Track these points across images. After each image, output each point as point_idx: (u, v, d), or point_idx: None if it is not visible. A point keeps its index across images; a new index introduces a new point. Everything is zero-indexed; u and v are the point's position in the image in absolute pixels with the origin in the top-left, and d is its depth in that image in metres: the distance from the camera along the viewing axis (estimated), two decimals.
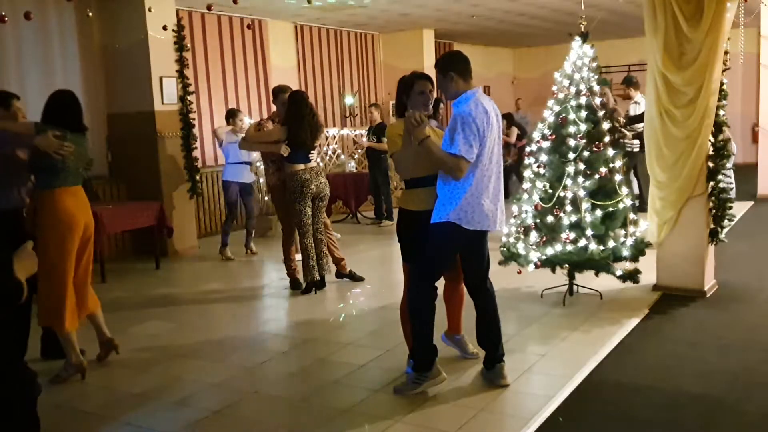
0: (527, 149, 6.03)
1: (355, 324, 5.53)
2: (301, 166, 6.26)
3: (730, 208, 5.82)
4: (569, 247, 5.43)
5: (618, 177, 5.59)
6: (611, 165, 5.54)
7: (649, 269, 5.87)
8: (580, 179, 5.46)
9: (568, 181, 5.48)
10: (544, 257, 5.55)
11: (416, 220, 4.06)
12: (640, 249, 5.61)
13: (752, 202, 10.32)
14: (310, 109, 6.34)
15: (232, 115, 8.46)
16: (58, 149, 4.26)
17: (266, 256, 8.32)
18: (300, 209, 6.28)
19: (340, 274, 6.85)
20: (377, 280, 6.87)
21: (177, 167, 8.60)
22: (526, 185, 5.76)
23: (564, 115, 5.60)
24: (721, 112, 5.66)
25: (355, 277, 6.83)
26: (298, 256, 6.64)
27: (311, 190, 6.28)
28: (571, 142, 5.50)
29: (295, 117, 6.23)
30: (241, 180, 8.30)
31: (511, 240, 5.81)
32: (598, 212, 5.45)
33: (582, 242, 5.41)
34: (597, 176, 5.46)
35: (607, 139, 5.59)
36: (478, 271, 4.19)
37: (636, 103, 9.39)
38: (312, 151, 6.38)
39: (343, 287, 6.66)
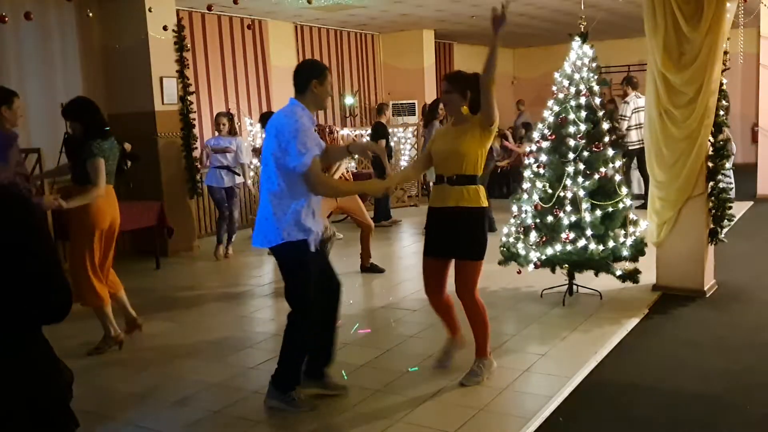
0: (527, 149, 6.03)
1: (355, 324, 5.53)
2: None
3: (730, 208, 5.82)
4: (569, 247, 5.43)
5: (618, 177, 5.60)
6: (611, 165, 5.54)
7: (649, 269, 5.87)
8: (580, 179, 5.46)
9: (568, 181, 5.48)
10: (543, 257, 5.55)
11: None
12: (639, 249, 5.62)
13: (752, 202, 10.31)
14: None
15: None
16: None
17: (266, 256, 8.31)
18: None
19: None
20: (378, 279, 6.87)
21: (177, 167, 8.60)
22: (525, 185, 5.76)
23: (564, 115, 5.60)
24: (721, 112, 5.67)
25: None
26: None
27: None
28: (571, 142, 5.50)
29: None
30: (223, 185, 8.12)
31: (511, 240, 5.81)
32: (598, 212, 5.45)
33: (582, 242, 5.41)
34: (597, 176, 5.46)
35: (606, 139, 5.60)
36: None
37: (625, 102, 9.71)
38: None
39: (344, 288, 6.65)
